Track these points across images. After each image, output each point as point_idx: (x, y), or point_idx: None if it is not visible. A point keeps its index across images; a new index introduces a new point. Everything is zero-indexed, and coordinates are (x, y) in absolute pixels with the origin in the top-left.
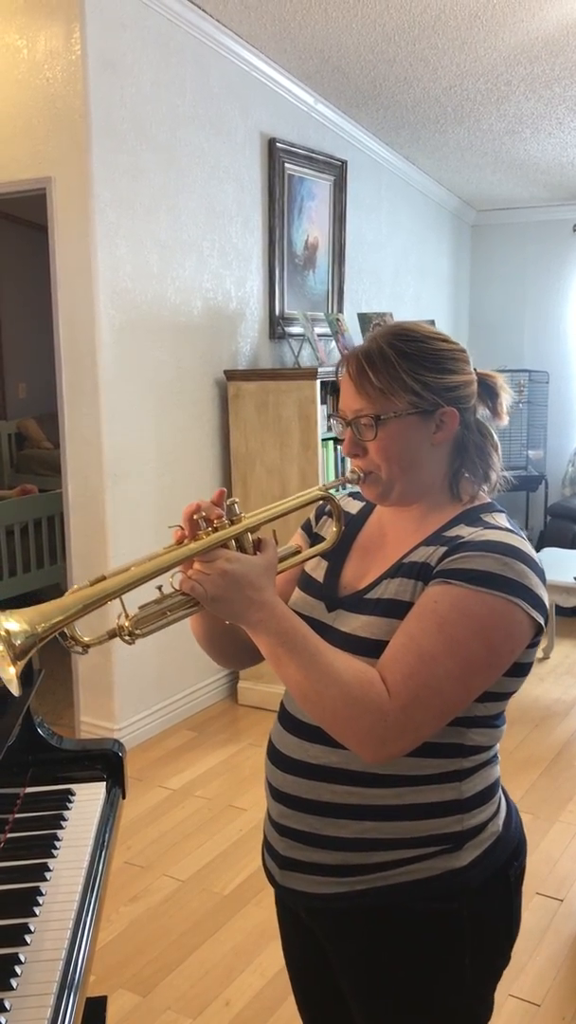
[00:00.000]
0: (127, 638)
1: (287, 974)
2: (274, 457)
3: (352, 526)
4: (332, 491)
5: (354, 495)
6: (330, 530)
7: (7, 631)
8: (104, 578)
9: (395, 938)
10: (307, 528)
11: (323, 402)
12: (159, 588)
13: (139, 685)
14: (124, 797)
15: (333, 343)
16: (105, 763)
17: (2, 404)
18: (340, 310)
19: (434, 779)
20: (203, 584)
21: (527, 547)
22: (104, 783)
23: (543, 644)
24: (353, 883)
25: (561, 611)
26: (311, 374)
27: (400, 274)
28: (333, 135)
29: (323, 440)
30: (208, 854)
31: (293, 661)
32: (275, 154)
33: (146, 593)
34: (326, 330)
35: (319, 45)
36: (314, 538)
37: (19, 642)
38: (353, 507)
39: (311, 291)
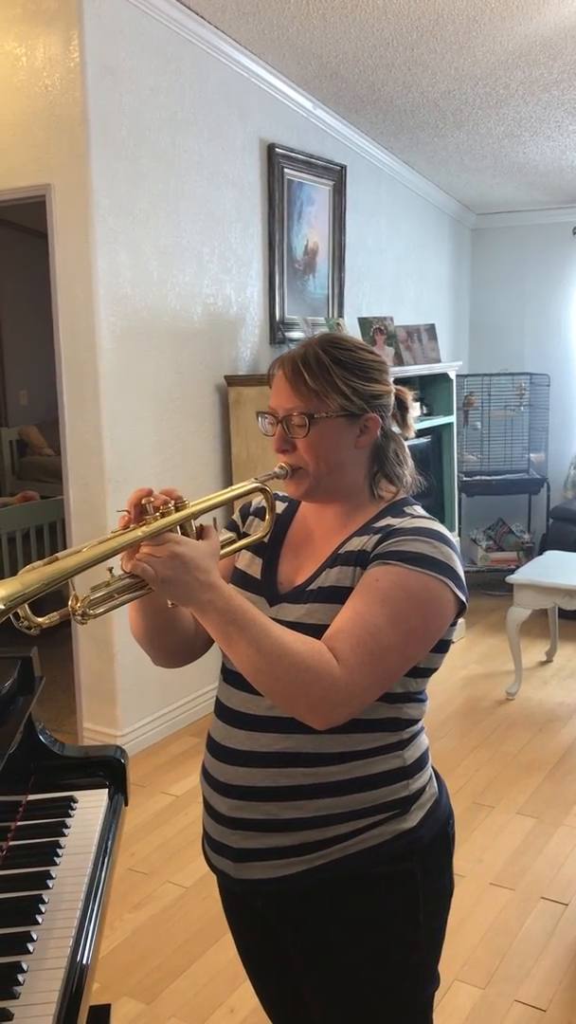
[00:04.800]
0: (79, 618)
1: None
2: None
3: (280, 526)
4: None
5: (279, 498)
6: (265, 519)
7: None
8: (57, 559)
9: (354, 905)
10: (233, 528)
11: None
12: (110, 571)
13: (142, 691)
14: (127, 804)
15: None
16: (107, 770)
17: (4, 411)
18: (340, 315)
19: (380, 751)
20: (153, 566)
21: (449, 533)
22: (107, 790)
23: (546, 648)
24: (313, 859)
25: (564, 614)
26: None
27: (400, 278)
28: (332, 140)
29: None
30: None
31: (244, 637)
32: (274, 159)
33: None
34: None
35: (317, 51)
36: (241, 537)
37: None
38: (279, 508)
39: (311, 296)
